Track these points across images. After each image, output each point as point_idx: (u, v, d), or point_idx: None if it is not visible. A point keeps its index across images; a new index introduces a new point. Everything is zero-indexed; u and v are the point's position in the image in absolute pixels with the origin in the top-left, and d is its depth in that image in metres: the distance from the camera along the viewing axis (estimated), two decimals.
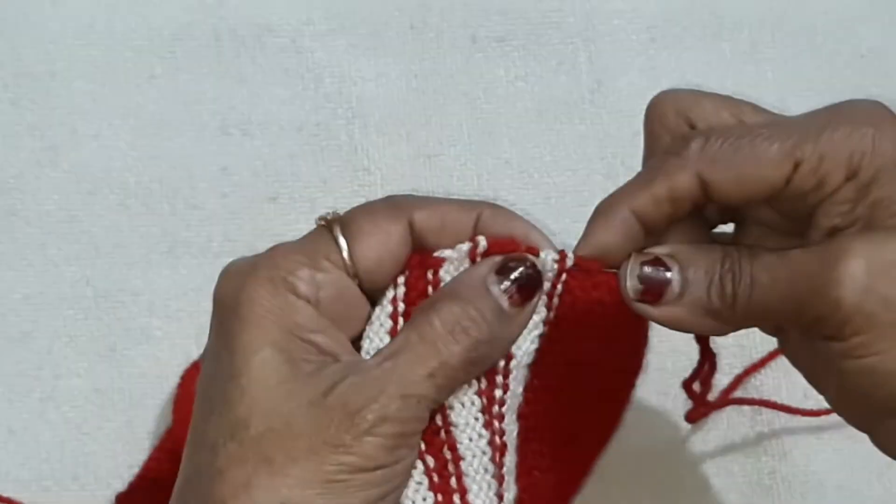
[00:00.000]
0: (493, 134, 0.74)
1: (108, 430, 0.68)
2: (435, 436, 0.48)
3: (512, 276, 0.48)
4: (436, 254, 0.49)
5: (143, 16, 0.74)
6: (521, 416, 0.51)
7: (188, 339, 0.69)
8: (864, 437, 0.50)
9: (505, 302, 0.47)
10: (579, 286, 0.50)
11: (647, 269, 0.49)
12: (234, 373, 0.45)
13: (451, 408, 0.48)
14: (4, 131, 0.72)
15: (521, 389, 0.51)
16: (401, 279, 0.49)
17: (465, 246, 0.49)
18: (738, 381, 0.70)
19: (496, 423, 0.49)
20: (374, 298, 0.49)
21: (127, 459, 0.67)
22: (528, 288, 0.48)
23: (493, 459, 0.49)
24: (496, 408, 0.49)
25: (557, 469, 0.55)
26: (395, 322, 0.49)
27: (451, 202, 0.50)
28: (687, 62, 0.76)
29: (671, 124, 0.51)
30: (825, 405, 0.65)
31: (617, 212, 0.50)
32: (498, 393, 0.49)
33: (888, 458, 0.65)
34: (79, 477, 0.67)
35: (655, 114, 0.51)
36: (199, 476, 0.45)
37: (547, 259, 0.50)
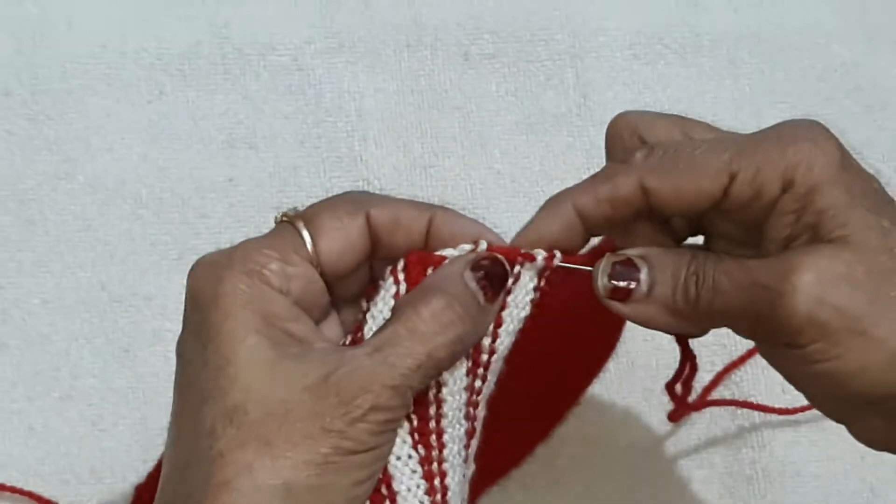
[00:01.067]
0: (485, 146, 0.75)
1: (123, 427, 0.68)
2: (426, 425, 0.48)
3: (484, 273, 0.49)
4: (438, 252, 0.50)
5: (153, 36, 0.74)
6: (490, 402, 0.52)
7: None
8: (839, 429, 0.51)
9: (481, 297, 0.48)
10: (563, 284, 0.51)
11: (618, 269, 0.50)
12: (222, 361, 0.46)
13: (445, 401, 0.49)
14: (23, 146, 0.72)
15: (495, 379, 0.51)
16: (401, 276, 0.50)
17: (468, 247, 0.50)
18: (719, 377, 0.70)
19: (472, 411, 0.50)
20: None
21: (141, 454, 0.67)
22: (498, 283, 0.49)
23: (465, 445, 0.50)
24: (475, 397, 0.50)
25: (510, 445, 0.57)
26: None
27: (406, 202, 0.51)
28: (668, 77, 0.77)
29: (625, 141, 0.51)
30: (801, 401, 0.64)
31: (561, 206, 0.51)
32: (478, 384, 0.50)
33: (862, 450, 0.63)
34: (96, 471, 0.67)
35: (612, 132, 0.52)
36: (198, 460, 0.45)
37: (538, 259, 0.50)
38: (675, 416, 0.65)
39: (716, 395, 0.70)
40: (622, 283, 0.50)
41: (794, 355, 0.47)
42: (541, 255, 0.51)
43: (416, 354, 0.46)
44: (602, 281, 0.50)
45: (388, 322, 0.48)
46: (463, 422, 0.50)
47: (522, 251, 0.50)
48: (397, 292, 0.49)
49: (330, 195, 0.68)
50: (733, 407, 0.71)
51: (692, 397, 0.61)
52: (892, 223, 0.48)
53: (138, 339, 0.69)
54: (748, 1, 0.79)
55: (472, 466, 0.52)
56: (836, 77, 0.78)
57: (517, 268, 0.51)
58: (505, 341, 0.51)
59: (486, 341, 0.50)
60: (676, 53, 0.78)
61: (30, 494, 0.66)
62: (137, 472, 0.67)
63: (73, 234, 0.71)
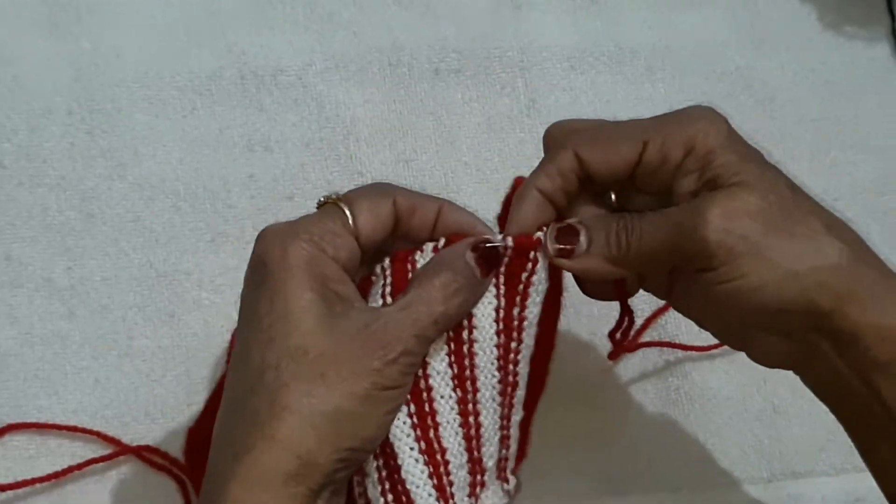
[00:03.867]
0: (454, 143, 0.79)
1: (171, 378, 0.72)
2: (463, 373, 0.53)
3: (480, 254, 0.53)
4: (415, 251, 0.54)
5: (185, 63, 0.77)
6: (532, 359, 0.56)
7: (229, 306, 0.73)
8: (746, 361, 0.56)
9: (478, 272, 0.53)
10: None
11: (561, 233, 0.55)
12: (287, 311, 0.49)
13: (477, 354, 0.53)
14: (83, 154, 0.74)
15: (532, 342, 0.55)
16: (388, 270, 0.54)
17: (430, 245, 0.54)
18: (648, 322, 0.76)
19: (510, 367, 0.54)
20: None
21: (186, 399, 0.72)
22: (490, 262, 0.53)
23: (500, 392, 0.54)
24: (511, 355, 0.54)
25: (535, 383, 0.60)
26: None
27: (422, 194, 0.56)
28: (599, 84, 0.81)
29: (557, 139, 0.56)
30: (713, 341, 0.68)
31: (527, 194, 0.55)
32: (513, 344, 0.54)
33: (764, 375, 0.75)
34: (150, 413, 0.71)
35: (547, 135, 0.57)
36: (263, 387, 0.49)
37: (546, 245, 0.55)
38: (613, 356, 0.69)
39: (646, 337, 0.76)
40: (566, 243, 0.54)
41: (707, 278, 0.51)
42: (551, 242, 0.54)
43: (434, 312, 0.51)
44: (550, 244, 0.55)
45: (409, 287, 0.52)
46: (496, 373, 0.54)
47: (535, 237, 0.54)
48: (384, 285, 0.54)
49: (332, 187, 0.76)
50: (661, 346, 0.77)
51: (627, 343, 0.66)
52: (775, 174, 0.53)
53: (181, 306, 0.73)
54: (660, 20, 0.83)
55: (521, 413, 0.55)
56: (732, 78, 0.83)
57: (532, 253, 0.54)
58: (533, 311, 0.55)
59: (516, 311, 0.54)
60: (604, 64, 0.82)
61: (97, 434, 0.70)
62: (183, 413, 0.71)
63: (126, 224, 0.74)
